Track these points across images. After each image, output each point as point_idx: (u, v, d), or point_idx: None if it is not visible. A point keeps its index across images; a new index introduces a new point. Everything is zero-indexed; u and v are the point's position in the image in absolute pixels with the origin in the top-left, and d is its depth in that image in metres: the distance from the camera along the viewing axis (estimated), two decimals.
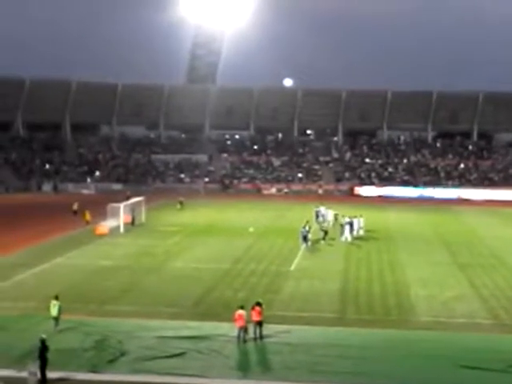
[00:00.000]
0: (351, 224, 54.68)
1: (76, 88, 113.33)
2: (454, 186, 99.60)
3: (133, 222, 60.41)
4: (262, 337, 28.82)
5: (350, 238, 53.81)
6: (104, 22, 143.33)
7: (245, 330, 28.52)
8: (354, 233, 55.13)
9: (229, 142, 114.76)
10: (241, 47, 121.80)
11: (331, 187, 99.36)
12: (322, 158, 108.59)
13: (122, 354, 26.96)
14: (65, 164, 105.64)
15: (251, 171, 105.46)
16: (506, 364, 26.33)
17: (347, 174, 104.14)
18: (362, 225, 56.99)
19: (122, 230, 57.02)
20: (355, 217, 56.44)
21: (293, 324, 31.07)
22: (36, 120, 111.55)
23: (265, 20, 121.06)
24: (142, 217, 63.36)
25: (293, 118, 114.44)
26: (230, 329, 29.08)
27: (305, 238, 50.82)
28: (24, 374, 24.10)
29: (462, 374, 25.64)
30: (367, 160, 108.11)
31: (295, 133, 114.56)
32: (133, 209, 61.61)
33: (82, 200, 73.15)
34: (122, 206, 58.30)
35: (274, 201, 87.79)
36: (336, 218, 60.81)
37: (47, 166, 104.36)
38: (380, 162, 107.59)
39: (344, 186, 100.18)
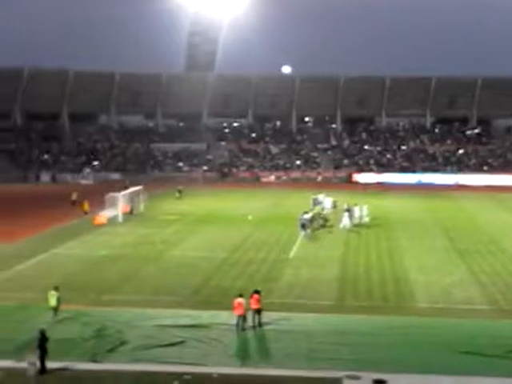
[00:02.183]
0: (349, 211, 54.60)
1: (74, 77, 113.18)
2: (452, 171, 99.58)
3: (131, 212, 60.41)
4: (260, 325, 28.88)
5: (348, 226, 53.76)
6: (101, 10, 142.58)
7: (244, 318, 28.57)
8: (357, 220, 55.04)
9: (227, 130, 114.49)
10: (239, 35, 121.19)
11: (330, 174, 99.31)
12: (320, 146, 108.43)
13: (122, 344, 27.01)
14: (63, 154, 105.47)
15: (249, 159, 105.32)
16: (505, 349, 26.40)
17: (346, 161, 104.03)
18: (365, 212, 56.76)
19: (120, 219, 56.99)
20: (355, 204, 56.36)
21: (292, 312, 31.11)
22: (34, 109, 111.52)
23: (262, 7, 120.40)
24: (141, 206, 63.36)
25: (291, 105, 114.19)
26: (229, 317, 29.12)
27: (303, 226, 50.78)
28: (23, 365, 24.18)
29: (460, 360, 25.70)
30: (366, 147, 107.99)
31: (293, 120, 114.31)
32: (131, 198, 61.60)
33: (80, 190, 73.17)
34: (120, 195, 58.30)
35: (273, 189, 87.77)
36: (335, 205, 60.87)
37: (45, 156, 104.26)
38: (378, 148, 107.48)
39: (342, 173, 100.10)
